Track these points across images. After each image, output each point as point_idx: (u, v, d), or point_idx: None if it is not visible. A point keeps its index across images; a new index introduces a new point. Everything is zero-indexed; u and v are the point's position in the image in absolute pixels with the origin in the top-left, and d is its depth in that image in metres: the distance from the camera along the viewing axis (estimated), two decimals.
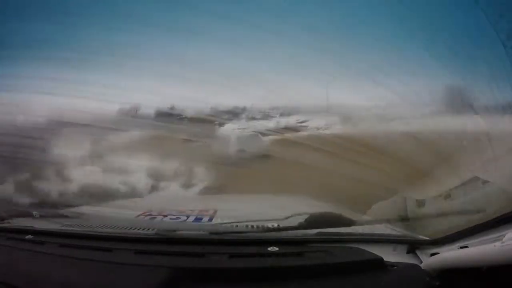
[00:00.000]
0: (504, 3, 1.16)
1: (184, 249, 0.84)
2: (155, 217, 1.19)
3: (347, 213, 1.26)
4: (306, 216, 0.96)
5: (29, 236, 0.96)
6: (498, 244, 0.55)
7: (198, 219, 1.15)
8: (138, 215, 1.21)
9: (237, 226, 0.99)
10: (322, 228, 0.90)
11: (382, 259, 0.77)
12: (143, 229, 1.00)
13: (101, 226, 1.06)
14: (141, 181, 5.09)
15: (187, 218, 1.17)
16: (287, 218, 0.96)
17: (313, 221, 0.92)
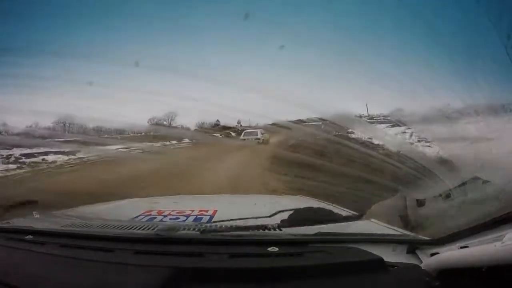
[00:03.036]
0: (504, 3, 1.16)
1: (184, 249, 0.84)
2: (155, 217, 1.19)
3: (347, 213, 1.26)
4: (306, 217, 0.96)
5: (29, 236, 0.96)
6: (498, 244, 0.55)
7: (198, 219, 1.15)
8: (138, 215, 1.21)
9: (237, 226, 0.99)
10: (322, 228, 0.90)
11: (382, 259, 0.77)
12: (143, 229, 1.00)
13: (101, 226, 1.06)
14: None
15: (186, 218, 1.17)
16: (287, 218, 0.96)
17: (313, 221, 0.92)
